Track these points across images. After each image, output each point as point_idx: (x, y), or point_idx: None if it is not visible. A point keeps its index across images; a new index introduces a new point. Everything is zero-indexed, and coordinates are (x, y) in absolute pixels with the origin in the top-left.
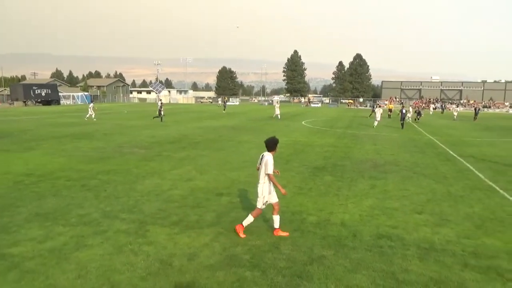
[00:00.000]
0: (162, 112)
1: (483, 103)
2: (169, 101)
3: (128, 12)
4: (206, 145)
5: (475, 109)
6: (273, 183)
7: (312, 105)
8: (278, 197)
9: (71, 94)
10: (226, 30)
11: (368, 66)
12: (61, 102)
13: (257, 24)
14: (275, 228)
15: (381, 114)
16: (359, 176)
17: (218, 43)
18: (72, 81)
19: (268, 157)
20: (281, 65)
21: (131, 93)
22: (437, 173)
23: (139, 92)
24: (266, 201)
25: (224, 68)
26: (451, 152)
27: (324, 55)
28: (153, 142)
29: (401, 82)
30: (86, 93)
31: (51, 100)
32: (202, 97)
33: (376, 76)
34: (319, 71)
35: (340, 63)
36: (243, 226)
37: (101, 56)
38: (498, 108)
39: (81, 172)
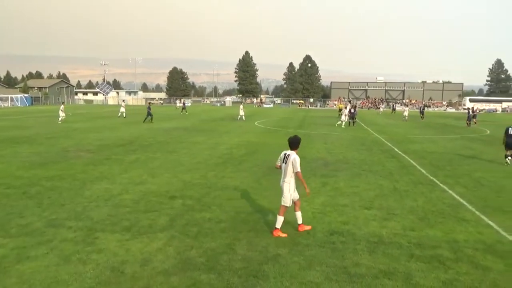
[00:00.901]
0: (151, 113)
1: (423, 102)
2: (118, 103)
3: (69, 8)
4: (158, 147)
5: (421, 108)
6: (301, 180)
7: (264, 105)
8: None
9: (9, 96)
10: (177, 30)
11: (317, 67)
12: None
13: (208, 24)
14: (299, 224)
15: (345, 114)
16: (311, 175)
17: (168, 43)
18: (10, 82)
19: (295, 155)
20: (233, 65)
21: (76, 94)
22: (384, 169)
23: (85, 93)
24: (292, 199)
25: (175, 68)
26: (396, 149)
27: (275, 56)
28: (101, 145)
29: (349, 82)
30: (26, 95)
31: None
32: (153, 98)
33: (325, 77)
34: (271, 72)
35: (291, 64)
36: (278, 229)
37: (42, 56)
38: (437, 107)
39: (21, 178)
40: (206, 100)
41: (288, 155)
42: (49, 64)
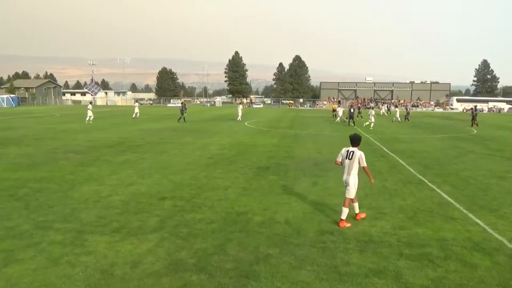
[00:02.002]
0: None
1: (411, 102)
2: (106, 103)
3: (57, 6)
4: (147, 148)
5: (407, 108)
6: (367, 173)
7: (254, 105)
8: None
9: None
10: (166, 30)
11: (307, 67)
12: None
13: (198, 24)
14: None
15: (373, 115)
16: (301, 175)
17: (158, 43)
18: None
19: (360, 152)
20: (222, 66)
21: (64, 95)
22: (373, 169)
23: (73, 94)
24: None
25: (164, 69)
26: (385, 149)
27: (265, 57)
28: (90, 147)
29: (338, 83)
30: (12, 95)
31: None
32: (142, 99)
33: (314, 77)
34: (261, 72)
35: (281, 65)
36: (343, 220)
37: (29, 56)
38: (425, 107)
39: (8, 180)
40: (196, 100)
41: (352, 151)
42: (36, 64)
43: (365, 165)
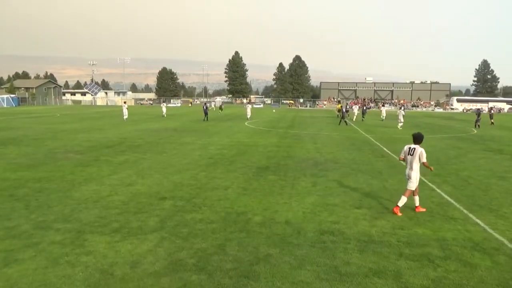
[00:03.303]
0: (207, 112)
1: (411, 102)
2: (106, 103)
3: (57, 6)
4: (147, 148)
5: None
6: (427, 167)
7: (255, 106)
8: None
9: None
10: (166, 30)
11: (307, 67)
12: None
13: (198, 24)
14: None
15: (402, 114)
16: (301, 175)
17: (158, 43)
18: None
19: (421, 149)
20: (222, 66)
21: (64, 95)
22: (373, 169)
23: (73, 94)
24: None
25: (164, 69)
26: (385, 149)
27: (265, 57)
28: (89, 147)
29: (338, 83)
30: (12, 95)
31: None
32: (142, 99)
33: (314, 77)
34: (261, 72)
35: (281, 65)
36: (399, 207)
37: (29, 56)
38: (425, 107)
39: (7, 181)
40: (196, 100)
41: (414, 148)
42: (36, 64)
43: (425, 161)
